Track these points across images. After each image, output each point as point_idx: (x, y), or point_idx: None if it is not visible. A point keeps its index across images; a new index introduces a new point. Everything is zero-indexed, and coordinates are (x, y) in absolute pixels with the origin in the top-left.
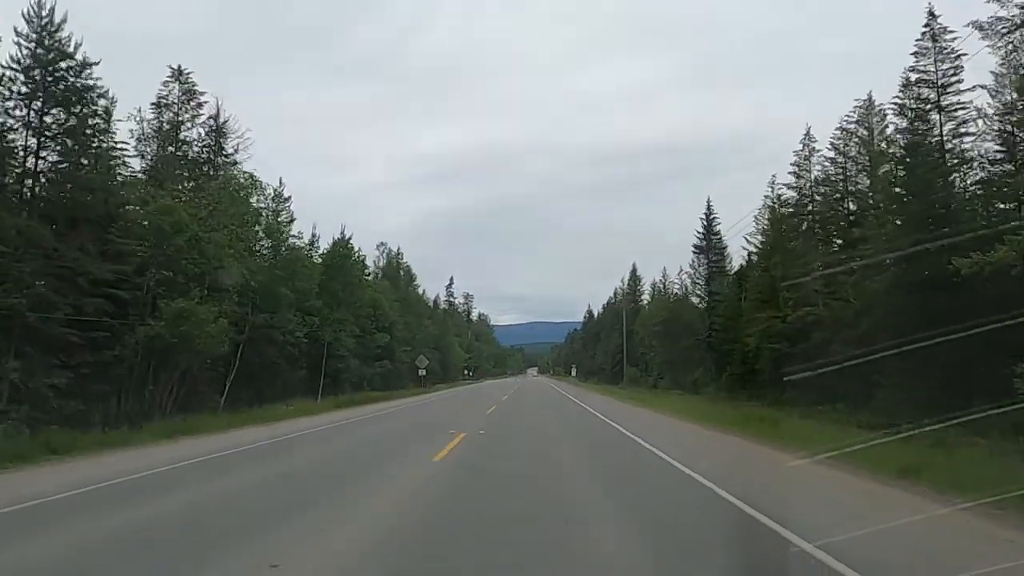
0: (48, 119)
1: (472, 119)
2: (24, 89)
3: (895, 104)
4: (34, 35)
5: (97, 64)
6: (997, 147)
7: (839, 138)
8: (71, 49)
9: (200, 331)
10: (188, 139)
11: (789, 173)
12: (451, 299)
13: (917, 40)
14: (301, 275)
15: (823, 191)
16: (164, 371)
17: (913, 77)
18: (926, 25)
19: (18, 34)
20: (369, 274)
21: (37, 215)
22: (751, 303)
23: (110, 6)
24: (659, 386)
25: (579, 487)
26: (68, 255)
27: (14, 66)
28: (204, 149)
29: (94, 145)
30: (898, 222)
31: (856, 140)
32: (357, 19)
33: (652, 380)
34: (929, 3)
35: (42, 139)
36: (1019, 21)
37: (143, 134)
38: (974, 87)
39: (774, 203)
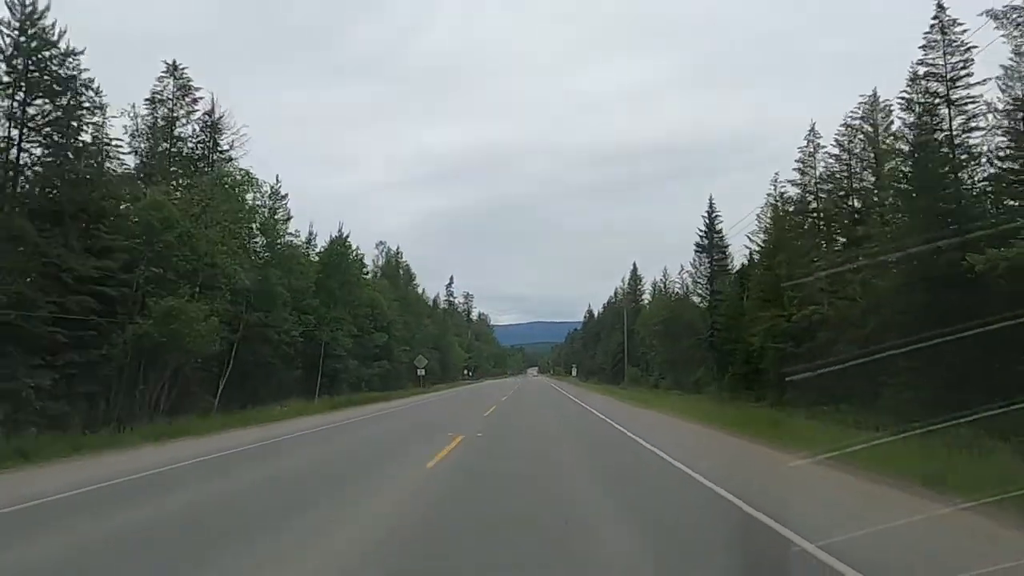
0: (31, 110)
1: (472, 119)
2: (5, 79)
3: (902, 99)
4: (16, 23)
5: (81, 53)
6: (1007, 142)
7: (843, 135)
8: (55, 37)
9: (190, 329)
10: (183, 135)
11: (793, 170)
12: (451, 299)
13: (925, 33)
14: (297, 273)
15: (827, 188)
16: (154, 371)
17: (921, 71)
18: (935, 17)
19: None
20: (367, 273)
21: (19, 209)
22: (754, 302)
23: (110, 6)
24: (660, 386)
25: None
26: (52, 251)
27: None
28: (199, 145)
29: (81, 138)
30: (906, 219)
31: (861, 137)
32: (357, 19)
33: (653, 380)
34: None
35: (25, 131)
36: None
37: (137, 130)
38: (984, 80)
39: (777, 201)
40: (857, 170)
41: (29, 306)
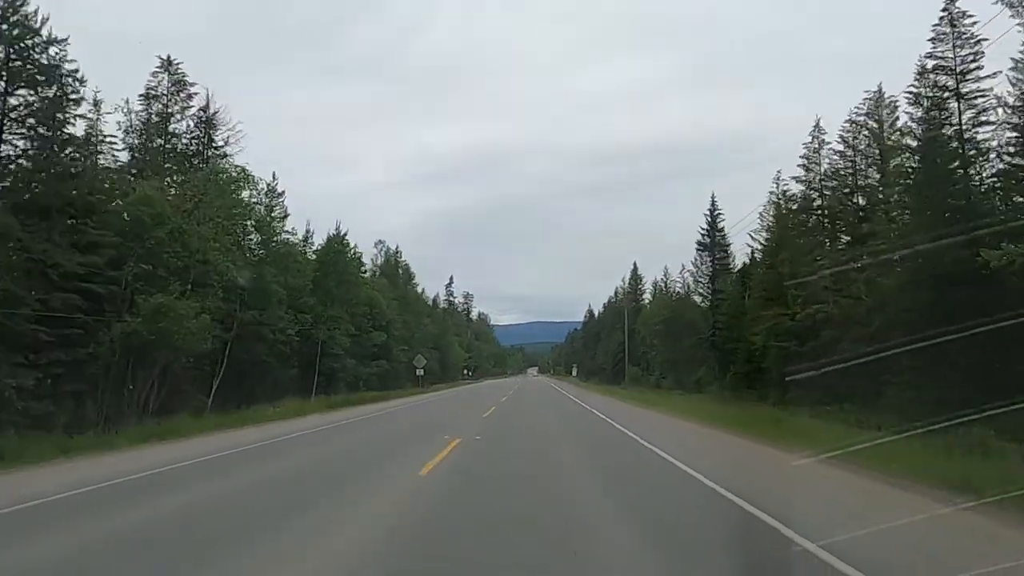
0: (14, 100)
1: (472, 119)
2: None
3: (910, 93)
4: None
5: (65, 41)
6: (1017, 137)
7: (848, 131)
8: (37, 24)
9: (180, 327)
10: (177, 131)
11: (798, 166)
12: (451, 298)
13: (934, 25)
14: (293, 271)
15: (832, 185)
16: (143, 370)
17: (930, 64)
18: (944, 9)
19: None
20: (366, 272)
21: (3, 204)
22: (756, 301)
23: (110, 6)
24: (661, 386)
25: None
26: (36, 247)
27: None
28: (193, 141)
29: (67, 131)
30: (913, 215)
31: (866, 133)
32: (357, 19)
33: (654, 380)
34: None
35: (7, 122)
36: None
37: (131, 126)
38: (995, 74)
39: (779, 199)
40: (862, 167)
41: (13, 303)
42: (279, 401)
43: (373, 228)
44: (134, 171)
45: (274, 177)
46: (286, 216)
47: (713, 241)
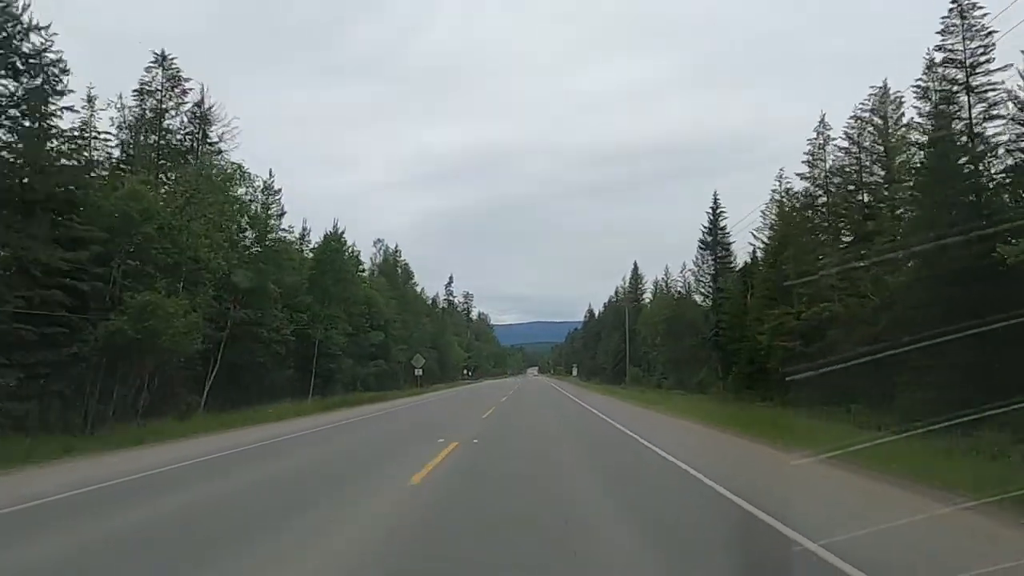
0: None
1: (472, 119)
2: None
3: (917, 87)
4: None
5: (47, 28)
6: None
7: (853, 127)
8: (18, 11)
9: (168, 326)
10: (172, 128)
11: (803, 162)
12: (450, 298)
13: (943, 17)
14: (288, 269)
15: (836, 182)
16: (131, 370)
17: (938, 57)
18: (953, 1)
19: None
20: (364, 271)
21: None
22: (758, 300)
23: (110, 6)
24: (663, 386)
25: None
26: (17, 242)
27: None
28: (187, 137)
29: (53, 123)
30: (921, 211)
31: (871, 130)
32: (357, 19)
33: (655, 380)
34: None
35: None
36: None
37: (124, 122)
38: (1006, 67)
39: (783, 196)
40: (867, 163)
41: None
42: (273, 402)
43: (373, 228)
44: (125, 167)
45: (271, 174)
46: (283, 214)
47: (715, 239)
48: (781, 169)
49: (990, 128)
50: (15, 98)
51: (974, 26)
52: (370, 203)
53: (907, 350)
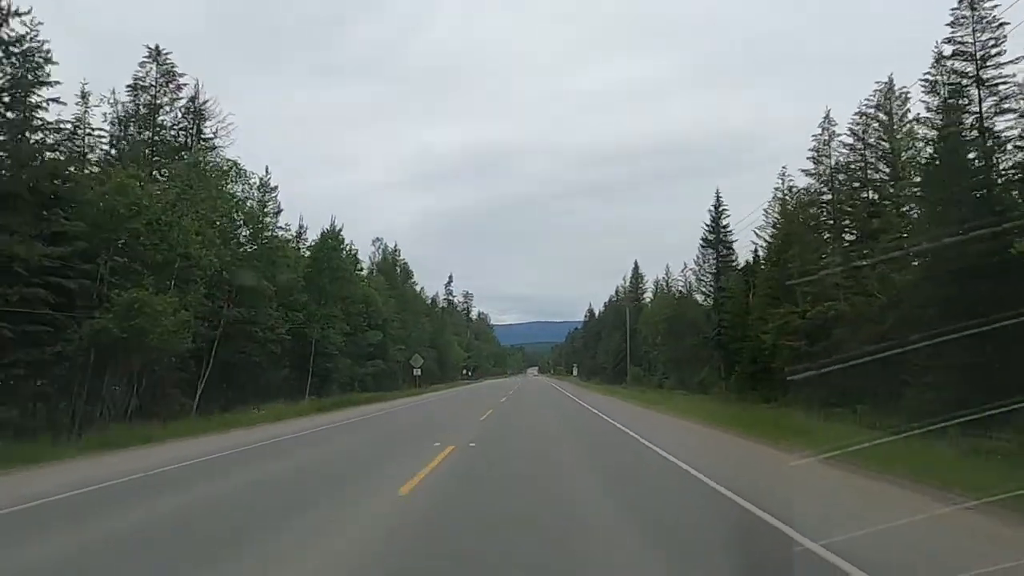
0: None
1: (472, 119)
2: None
3: (926, 81)
4: None
5: (28, 14)
6: None
7: (858, 123)
8: None
9: (156, 324)
10: (165, 124)
11: (808, 159)
12: (450, 297)
13: (953, 8)
14: (283, 266)
15: (841, 178)
16: (118, 370)
17: (948, 50)
18: None
19: None
20: (362, 269)
21: None
22: (761, 299)
23: (110, 6)
24: (664, 386)
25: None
26: None
27: None
28: (181, 132)
29: (39, 116)
30: (925, 208)
31: (876, 126)
32: (357, 19)
33: (657, 379)
34: None
35: None
36: None
37: (117, 117)
38: (1017, 59)
39: (785, 194)
40: (872, 160)
41: None
42: (267, 403)
43: (373, 228)
44: (116, 162)
45: (267, 171)
46: (279, 211)
47: (718, 237)
48: (784, 167)
49: (1000, 123)
50: None
51: (984, 17)
52: (370, 203)
53: (911, 349)
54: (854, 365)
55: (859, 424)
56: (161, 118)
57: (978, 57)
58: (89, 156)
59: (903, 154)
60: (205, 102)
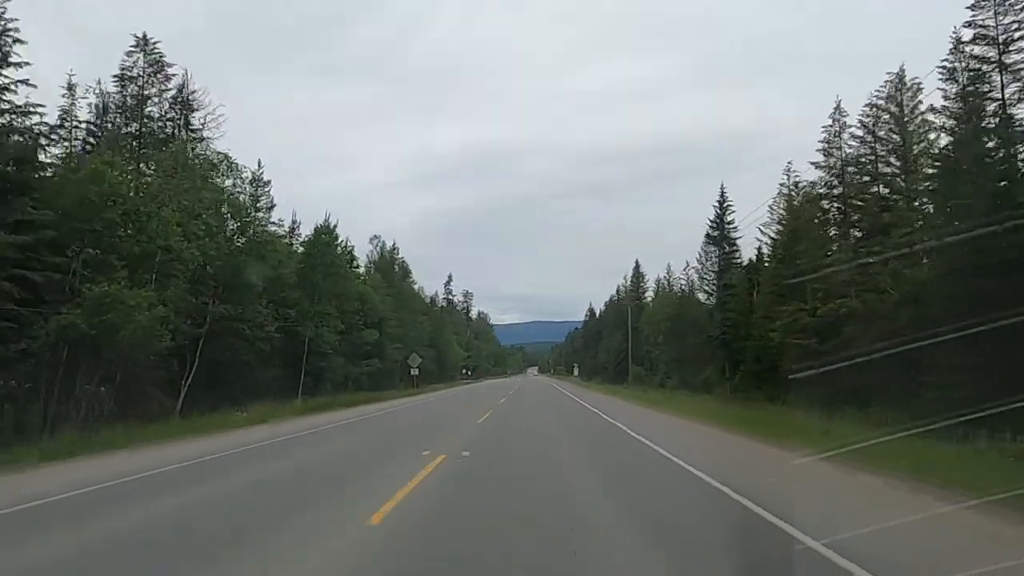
0: None
1: (472, 119)
2: None
3: (943, 68)
4: None
5: None
6: None
7: (868, 115)
8: None
9: (129, 320)
10: (154, 115)
11: (818, 151)
12: (449, 296)
13: None
14: (273, 261)
15: (850, 171)
16: (90, 369)
17: (968, 34)
18: None
19: None
20: (358, 266)
21: None
22: (766, 297)
23: (110, 6)
24: (666, 385)
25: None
26: None
27: None
28: (168, 123)
29: (4, 98)
30: (944, 200)
31: (887, 117)
32: (357, 19)
33: (659, 379)
34: None
35: None
36: None
37: (103, 108)
38: None
39: (791, 190)
40: (883, 153)
41: None
42: (257, 404)
43: (373, 228)
44: (92, 148)
45: (259, 165)
46: (272, 207)
47: (722, 234)
48: (789, 162)
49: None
50: None
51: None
52: (370, 203)
53: (915, 347)
54: (863, 363)
55: (868, 424)
56: (149, 109)
57: (1000, 41)
58: (70, 147)
59: (915, 147)
60: (193, 92)
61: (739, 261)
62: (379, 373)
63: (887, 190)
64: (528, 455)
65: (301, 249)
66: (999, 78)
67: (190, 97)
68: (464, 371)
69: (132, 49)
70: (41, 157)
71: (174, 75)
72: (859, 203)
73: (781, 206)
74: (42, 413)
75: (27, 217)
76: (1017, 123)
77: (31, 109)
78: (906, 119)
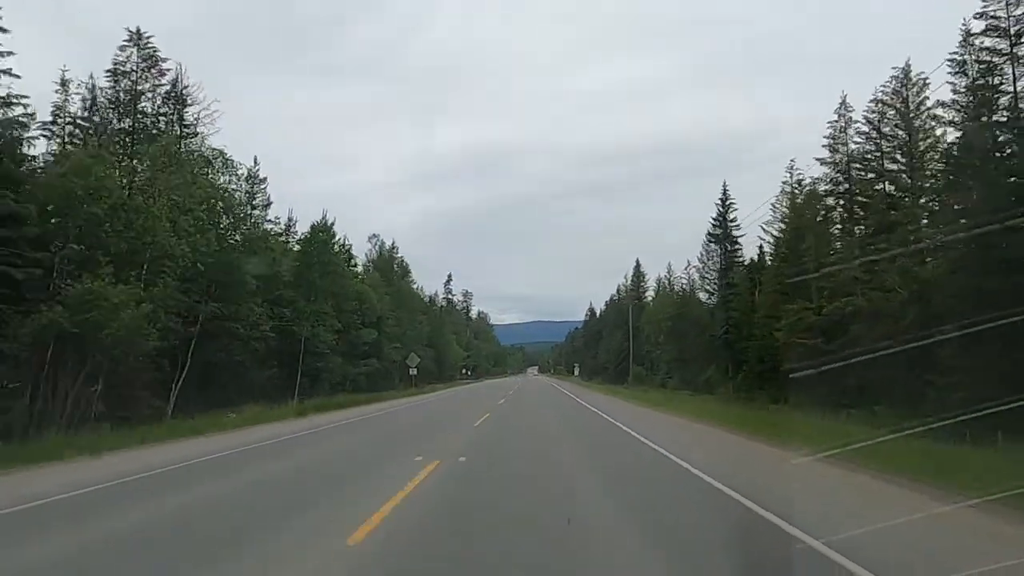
0: None
1: (472, 119)
2: None
3: (951, 60)
4: None
5: None
6: None
7: (873, 111)
8: None
9: (113, 318)
10: (147, 111)
11: (823, 146)
12: (449, 296)
13: None
14: (268, 259)
15: (856, 168)
16: (73, 368)
17: (978, 26)
18: None
19: None
20: (356, 265)
21: None
22: (769, 296)
23: (110, 6)
24: (667, 385)
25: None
26: None
27: None
28: (161, 119)
29: None
30: (947, 197)
31: (893, 113)
32: (357, 19)
33: (660, 379)
34: None
35: None
36: None
37: (95, 103)
38: None
39: (794, 188)
40: (888, 149)
41: None
42: (251, 405)
43: (373, 228)
44: (78, 142)
45: (255, 162)
46: (268, 204)
47: (725, 232)
48: (792, 160)
49: None
50: None
51: None
52: (370, 203)
53: (917, 346)
54: (868, 363)
55: (872, 424)
56: (142, 105)
57: (1012, 32)
58: (63, 142)
59: (921, 143)
60: (186, 87)
61: (741, 260)
62: (377, 373)
63: (892, 187)
64: (528, 455)
65: (297, 247)
66: (1011, 70)
67: (184, 92)
68: (464, 371)
69: (125, 44)
70: (25, 149)
71: (168, 70)
72: (865, 199)
73: (784, 204)
74: (29, 414)
75: (8, 211)
76: None
77: (14, 100)
78: (912, 115)
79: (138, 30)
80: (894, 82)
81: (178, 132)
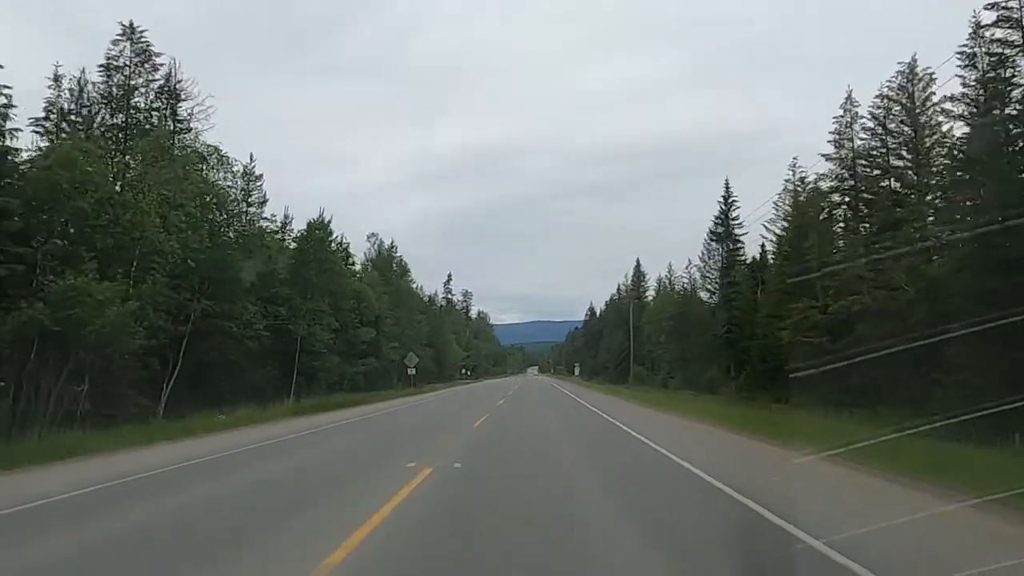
0: None
1: (472, 119)
2: None
3: (961, 53)
4: None
5: None
6: None
7: (879, 107)
8: None
9: (98, 315)
10: (140, 106)
11: (828, 142)
12: (449, 296)
13: None
14: (263, 256)
15: (862, 164)
16: (56, 366)
17: (989, 17)
18: None
19: None
20: (354, 263)
21: None
22: (772, 294)
23: (110, 6)
24: (669, 385)
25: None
26: None
27: None
28: (154, 114)
29: None
30: (954, 193)
31: (898, 109)
32: (357, 19)
33: (661, 379)
34: None
35: None
36: None
37: (87, 98)
38: None
39: (796, 186)
40: (894, 146)
41: None
42: (244, 405)
43: (373, 227)
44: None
45: (251, 159)
46: (264, 202)
47: (727, 231)
48: (795, 158)
49: None
50: None
51: None
52: (370, 203)
53: (919, 345)
54: (872, 362)
55: (876, 424)
56: (135, 100)
57: None
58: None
59: (928, 139)
60: (180, 81)
61: (743, 258)
62: (375, 373)
63: (898, 184)
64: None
65: (294, 245)
66: (1023, 62)
67: (177, 87)
68: (463, 371)
69: (118, 38)
70: (8, 142)
71: (161, 65)
72: (870, 196)
73: (787, 202)
74: (11, 413)
75: None
76: None
77: None
78: (918, 111)
79: (131, 23)
80: (900, 77)
81: (171, 127)
